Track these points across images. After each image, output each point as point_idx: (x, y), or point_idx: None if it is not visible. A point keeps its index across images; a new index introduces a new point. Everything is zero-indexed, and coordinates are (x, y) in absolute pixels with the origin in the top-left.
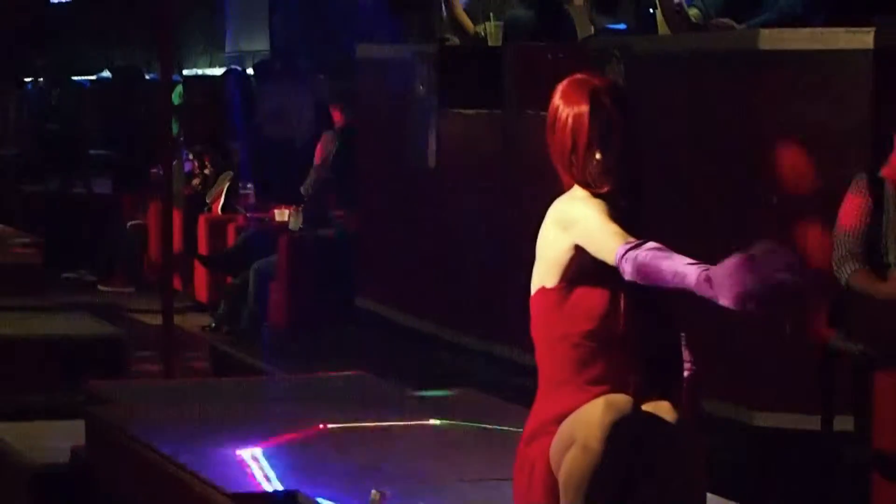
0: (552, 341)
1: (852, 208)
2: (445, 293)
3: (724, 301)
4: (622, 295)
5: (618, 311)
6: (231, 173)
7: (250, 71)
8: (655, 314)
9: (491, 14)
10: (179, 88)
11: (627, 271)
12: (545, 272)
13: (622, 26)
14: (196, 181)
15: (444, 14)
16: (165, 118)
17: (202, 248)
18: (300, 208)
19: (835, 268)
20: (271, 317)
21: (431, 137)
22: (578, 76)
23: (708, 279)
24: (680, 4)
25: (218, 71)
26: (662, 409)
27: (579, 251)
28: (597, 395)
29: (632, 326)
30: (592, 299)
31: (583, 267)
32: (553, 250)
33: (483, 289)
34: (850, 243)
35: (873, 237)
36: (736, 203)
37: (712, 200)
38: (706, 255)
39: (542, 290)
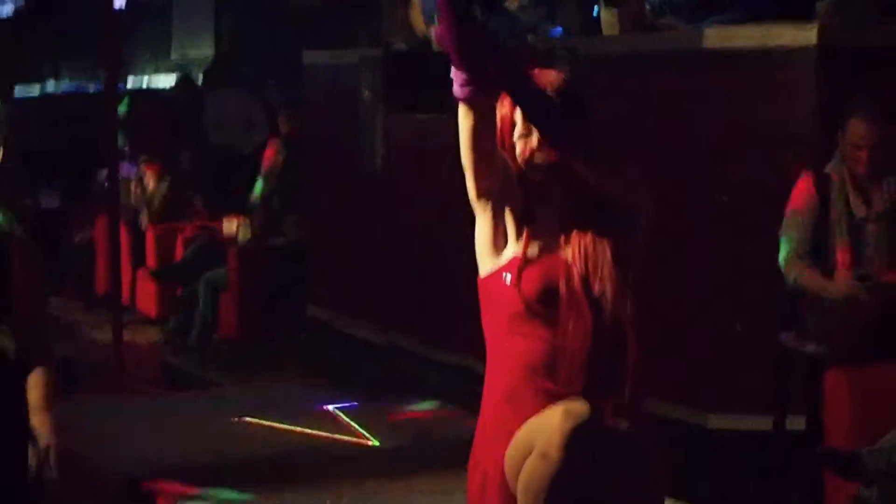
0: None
1: (799, 206)
2: (397, 301)
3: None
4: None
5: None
6: (167, 181)
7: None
8: (603, 316)
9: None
10: (126, 99)
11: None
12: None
13: (558, 30)
14: (136, 191)
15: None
16: (111, 129)
17: (151, 261)
18: (249, 218)
19: (783, 266)
20: (222, 329)
21: (378, 143)
22: (536, 71)
23: None
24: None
25: (164, 78)
26: (619, 414)
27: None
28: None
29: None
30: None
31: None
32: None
33: (435, 296)
34: (797, 242)
35: (821, 235)
36: (683, 203)
37: (660, 200)
38: (655, 255)
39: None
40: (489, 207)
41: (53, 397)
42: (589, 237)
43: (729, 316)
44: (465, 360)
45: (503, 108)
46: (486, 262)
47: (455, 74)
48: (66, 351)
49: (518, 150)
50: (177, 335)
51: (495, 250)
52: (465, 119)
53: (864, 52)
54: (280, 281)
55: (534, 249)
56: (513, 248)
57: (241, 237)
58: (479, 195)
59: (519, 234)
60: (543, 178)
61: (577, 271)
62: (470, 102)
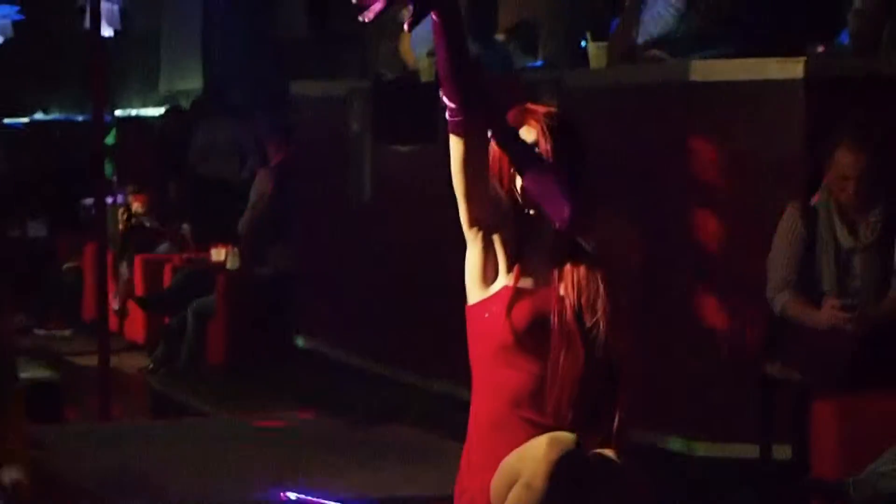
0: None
1: (786, 237)
2: (384, 330)
3: None
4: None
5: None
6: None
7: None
8: (596, 349)
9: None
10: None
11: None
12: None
13: (539, 63)
14: (122, 219)
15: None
16: (99, 160)
17: (139, 290)
18: (237, 247)
19: (769, 296)
20: (210, 357)
21: (367, 173)
22: (528, 105)
23: None
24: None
25: (152, 110)
26: (605, 446)
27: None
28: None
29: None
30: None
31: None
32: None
33: (423, 325)
34: (784, 271)
35: (807, 265)
36: (671, 232)
37: (647, 231)
38: (643, 283)
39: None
40: (480, 237)
41: (18, 429)
42: (582, 269)
43: (715, 344)
44: (453, 388)
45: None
46: (476, 292)
47: (447, 104)
48: (52, 377)
49: (513, 181)
50: (164, 363)
51: (485, 280)
52: (456, 148)
53: (851, 83)
54: (268, 309)
55: (525, 281)
56: (503, 279)
57: (229, 266)
58: (471, 224)
59: (510, 265)
60: (537, 210)
61: (569, 303)
62: (462, 131)
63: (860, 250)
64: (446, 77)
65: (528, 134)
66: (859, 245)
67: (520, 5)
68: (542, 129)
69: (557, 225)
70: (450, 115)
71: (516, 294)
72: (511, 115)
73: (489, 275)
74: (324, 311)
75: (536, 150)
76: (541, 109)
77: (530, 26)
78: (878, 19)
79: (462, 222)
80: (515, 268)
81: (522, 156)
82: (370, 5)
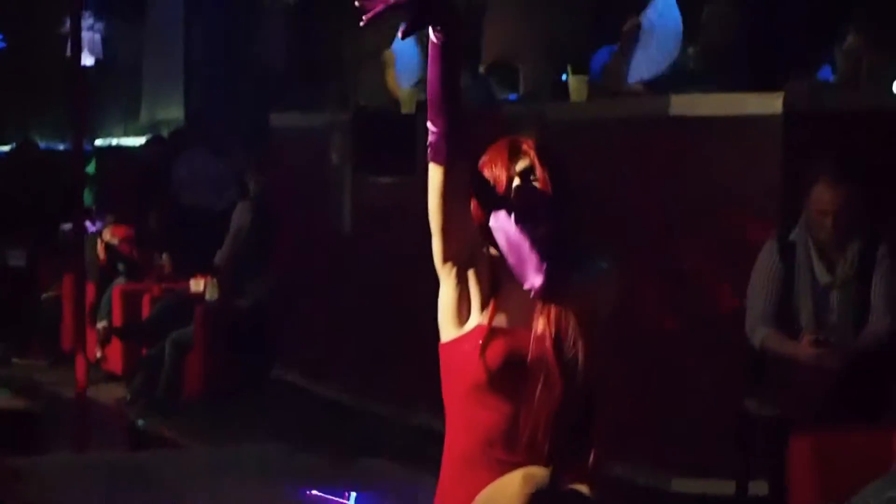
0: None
1: (764, 271)
2: (363, 363)
3: None
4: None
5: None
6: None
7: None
8: (574, 384)
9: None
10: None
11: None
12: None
13: (514, 96)
14: (101, 248)
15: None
16: (78, 189)
17: (117, 320)
18: (216, 278)
19: (748, 331)
20: (188, 388)
21: (347, 204)
22: (511, 137)
23: None
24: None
25: (133, 140)
26: (579, 482)
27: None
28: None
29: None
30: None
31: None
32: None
33: (401, 357)
34: (762, 306)
35: (785, 300)
36: (650, 266)
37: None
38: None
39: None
40: (454, 273)
41: None
42: (558, 304)
43: (694, 379)
44: (430, 421)
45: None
46: (449, 330)
47: (431, 129)
48: (30, 407)
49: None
50: (142, 394)
51: (459, 318)
52: (435, 177)
53: (829, 118)
54: (246, 341)
55: (500, 318)
56: (477, 317)
57: (208, 297)
58: (445, 259)
59: (484, 302)
60: None
61: (547, 338)
62: (442, 159)
63: (838, 286)
64: (436, 98)
65: (521, 163)
66: (837, 281)
67: (501, 38)
68: (537, 158)
69: (530, 293)
70: (432, 141)
71: (490, 333)
72: (500, 146)
73: (463, 312)
74: (302, 343)
75: (532, 178)
76: (531, 139)
77: (511, 60)
78: (856, 55)
79: (435, 258)
80: (490, 305)
81: (497, 214)
82: (371, 7)
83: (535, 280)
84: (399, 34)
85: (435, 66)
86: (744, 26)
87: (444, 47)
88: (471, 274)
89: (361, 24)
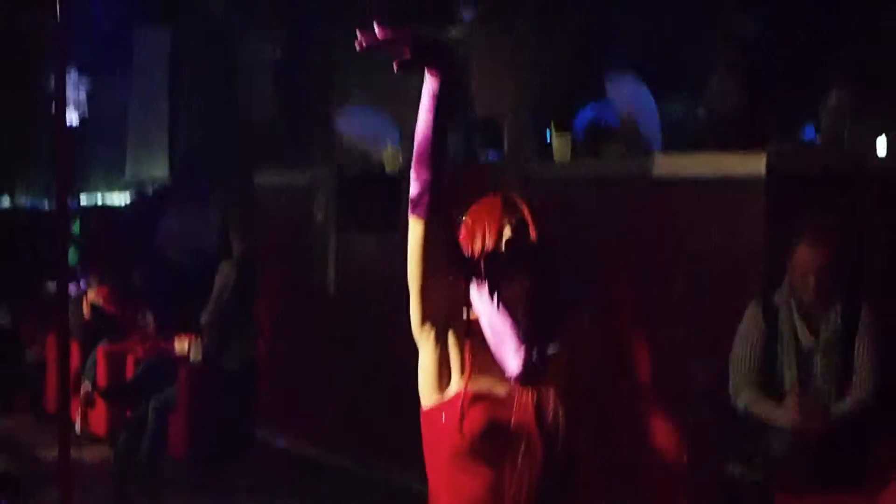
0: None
1: (747, 335)
2: (345, 423)
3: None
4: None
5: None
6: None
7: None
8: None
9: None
10: (79, 217)
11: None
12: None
13: (496, 155)
14: (86, 308)
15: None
16: (63, 247)
17: (101, 380)
18: (200, 337)
19: (731, 394)
20: (171, 449)
21: (331, 262)
22: (504, 192)
23: None
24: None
25: (117, 198)
26: None
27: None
28: None
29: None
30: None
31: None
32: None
33: (385, 418)
34: (745, 369)
35: (769, 363)
36: (632, 328)
37: (609, 323)
38: (603, 377)
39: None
40: (432, 336)
41: None
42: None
43: (677, 441)
44: (414, 482)
45: (466, 229)
46: (429, 395)
47: (414, 180)
48: (12, 469)
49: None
50: (126, 454)
51: (439, 383)
52: (416, 231)
53: (812, 179)
54: (231, 401)
55: (481, 383)
56: (457, 381)
57: (192, 357)
58: (424, 319)
59: (464, 366)
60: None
61: (529, 405)
62: (424, 213)
63: (821, 349)
64: (425, 146)
65: (514, 217)
66: (820, 344)
67: (485, 97)
68: (529, 213)
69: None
70: (415, 193)
71: (471, 399)
72: (492, 200)
73: (443, 377)
74: (286, 403)
75: (523, 231)
76: (521, 196)
77: (495, 117)
78: (838, 116)
79: (413, 321)
80: (469, 370)
81: (481, 291)
82: (371, 41)
83: (513, 367)
84: (394, 68)
85: (429, 106)
86: (739, 90)
87: (439, 92)
88: (450, 337)
89: (358, 49)
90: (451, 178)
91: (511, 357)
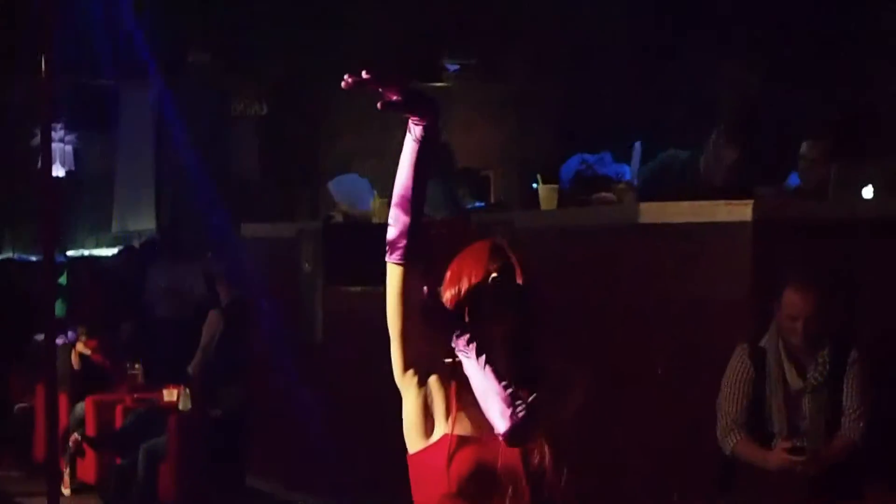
0: None
1: (735, 378)
2: (336, 471)
3: None
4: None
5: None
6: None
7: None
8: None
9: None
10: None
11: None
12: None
13: (481, 204)
14: (74, 359)
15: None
16: (50, 300)
17: (90, 430)
18: (189, 388)
19: (719, 437)
20: (162, 498)
21: (318, 314)
22: (492, 238)
23: None
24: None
25: (105, 251)
26: None
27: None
28: None
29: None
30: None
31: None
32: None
33: (374, 465)
34: (733, 413)
35: (757, 406)
36: (621, 372)
37: (598, 369)
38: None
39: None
40: (415, 382)
41: None
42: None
43: (666, 485)
44: None
45: (452, 273)
46: (415, 441)
47: (393, 226)
48: None
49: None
50: (116, 503)
51: (425, 427)
52: (395, 277)
53: (798, 225)
54: (219, 450)
55: (466, 426)
56: (443, 426)
57: (181, 406)
58: (406, 366)
59: (449, 410)
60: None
61: (516, 449)
62: (402, 258)
63: (809, 391)
64: (405, 191)
65: (500, 260)
66: (808, 386)
67: (471, 147)
68: (515, 257)
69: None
70: (394, 237)
71: (457, 443)
72: (481, 245)
73: (428, 422)
74: (275, 451)
75: (509, 274)
76: (494, 243)
77: (481, 168)
78: (825, 163)
79: (395, 368)
80: (455, 413)
81: (468, 352)
82: (357, 82)
83: (501, 427)
84: (378, 105)
85: (409, 159)
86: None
87: (423, 140)
88: (433, 382)
89: (343, 85)
90: (426, 227)
91: (498, 417)
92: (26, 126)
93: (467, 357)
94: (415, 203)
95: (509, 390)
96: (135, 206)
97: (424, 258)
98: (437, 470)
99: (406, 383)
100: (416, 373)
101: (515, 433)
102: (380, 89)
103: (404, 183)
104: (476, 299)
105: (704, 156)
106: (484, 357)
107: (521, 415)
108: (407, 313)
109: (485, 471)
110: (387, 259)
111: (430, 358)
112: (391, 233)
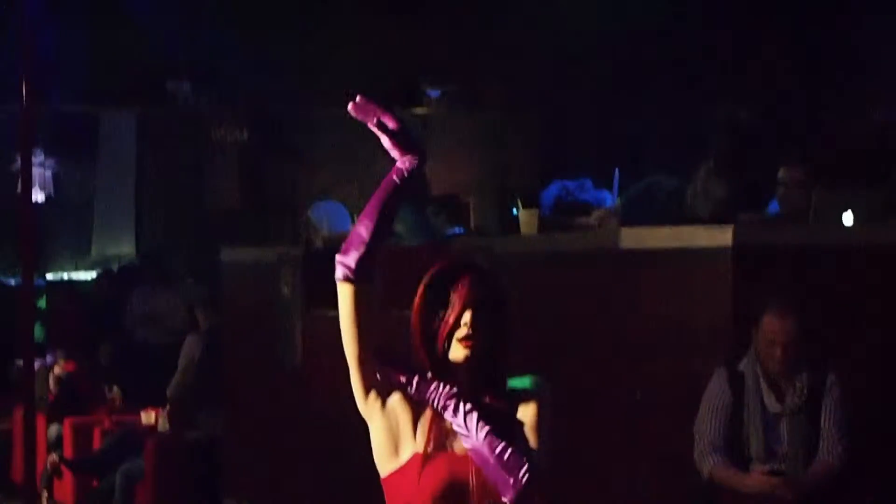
0: None
1: (713, 402)
2: (314, 496)
3: None
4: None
5: None
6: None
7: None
8: None
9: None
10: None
11: None
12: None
13: (461, 230)
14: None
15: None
16: (28, 323)
17: (68, 452)
18: (167, 411)
19: (697, 461)
20: None
21: (297, 339)
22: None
23: None
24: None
25: (84, 275)
26: None
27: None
28: None
29: None
30: None
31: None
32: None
33: (351, 489)
34: (711, 437)
35: (735, 430)
36: (601, 397)
37: (580, 398)
38: (570, 446)
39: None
40: (378, 406)
41: None
42: (495, 425)
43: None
44: None
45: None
46: (386, 464)
47: (352, 244)
48: None
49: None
50: None
51: (394, 450)
52: (347, 297)
53: (778, 250)
54: (196, 473)
55: (434, 442)
56: (411, 445)
57: (159, 429)
58: (366, 390)
59: (415, 428)
60: (445, 371)
61: None
62: (356, 277)
63: (787, 415)
64: (376, 216)
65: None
66: (786, 410)
67: (452, 172)
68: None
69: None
70: (352, 258)
71: (427, 460)
72: (447, 265)
73: (396, 443)
74: (252, 475)
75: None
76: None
77: (460, 193)
78: (803, 188)
79: (357, 396)
80: (424, 431)
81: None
82: (360, 112)
83: (506, 495)
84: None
85: (388, 189)
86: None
87: (404, 181)
88: (395, 402)
89: (350, 107)
90: (404, 252)
91: (501, 486)
92: (6, 151)
93: (458, 427)
94: (380, 227)
95: (507, 454)
96: (114, 230)
97: (372, 279)
98: (410, 489)
99: (369, 409)
100: (378, 396)
101: (522, 498)
102: (377, 118)
103: (379, 208)
104: (450, 332)
105: (691, 188)
106: (475, 427)
107: (524, 480)
108: (360, 335)
109: (457, 486)
110: (337, 279)
111: (389, 378)
112: (343, 251)
